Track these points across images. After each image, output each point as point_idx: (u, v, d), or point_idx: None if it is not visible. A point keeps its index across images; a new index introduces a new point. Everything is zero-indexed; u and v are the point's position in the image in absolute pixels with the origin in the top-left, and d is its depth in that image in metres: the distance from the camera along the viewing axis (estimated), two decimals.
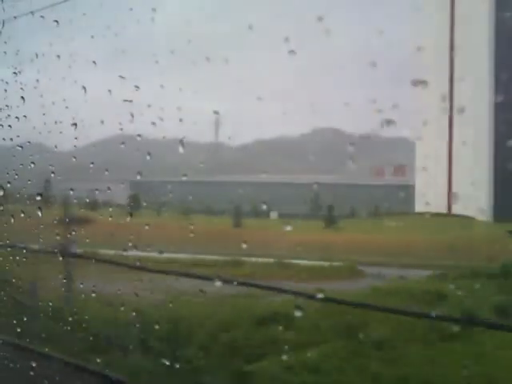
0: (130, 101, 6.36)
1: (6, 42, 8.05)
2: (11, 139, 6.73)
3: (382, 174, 54.53)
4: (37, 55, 6.94)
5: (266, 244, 24.75)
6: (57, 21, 6.41)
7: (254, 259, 23.05)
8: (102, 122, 6.79)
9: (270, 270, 21.35)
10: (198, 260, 22.70)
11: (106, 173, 8.41)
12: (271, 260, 22.95)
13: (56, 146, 7.12)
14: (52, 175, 6.91)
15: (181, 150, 6.41)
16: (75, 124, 5.95)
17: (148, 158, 6.65)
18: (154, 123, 6.29)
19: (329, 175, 49.97)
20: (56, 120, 6.58)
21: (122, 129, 6.28)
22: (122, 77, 6.82)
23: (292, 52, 5.79)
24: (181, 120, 6.38)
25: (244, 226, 35.41)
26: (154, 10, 7.43)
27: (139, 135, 6.82)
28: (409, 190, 41.86)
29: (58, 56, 7.17)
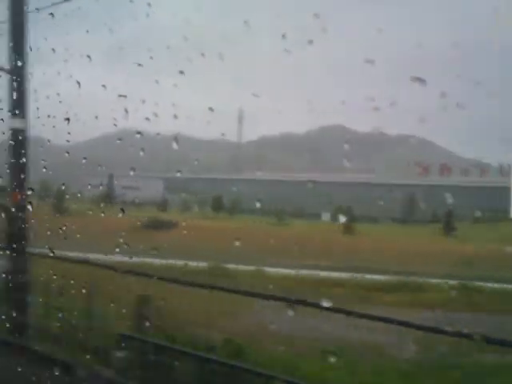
0: (125, 96, 6.29)
1: (1, 35, 7.97)
2: (3, 133, 6.66)
3: (426, 173, 51.08)
4: (31, 49, 6.87)
5: (410, 257, 21.44)
6: (52, 14, 6.33)
7: (423, 280, 18.76)
8: (96, 117, 6.73)
9: (461, 297, 16.42)
10: (367, 282, 18.63)
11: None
12: (450, 282, 18.25)
13: (49, 140, 7.06)
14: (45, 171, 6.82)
15: (174, 146, 6.38)
16: (68, 119, 5.86)
17: (141, 154, 6.57)
18: (147, 119, 6.22)
19: (368, 174, 47.02)
20: (49, 114, 6.50)
21: (115, 125, 6.20)
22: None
23: (288, 50, 5.73)
24: (175, 116, 6.29)
25: (356, 233, 31.00)
26: (149, 4, 7.34)
27: (139, 132, 6.74)
28: (498, 192, 36.78)
29: (53, 50, 7.08)
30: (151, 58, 6.40)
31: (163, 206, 36.12)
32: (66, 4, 7.37)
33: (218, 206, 36.64)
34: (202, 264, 19.39)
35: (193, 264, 19.53)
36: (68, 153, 6.15)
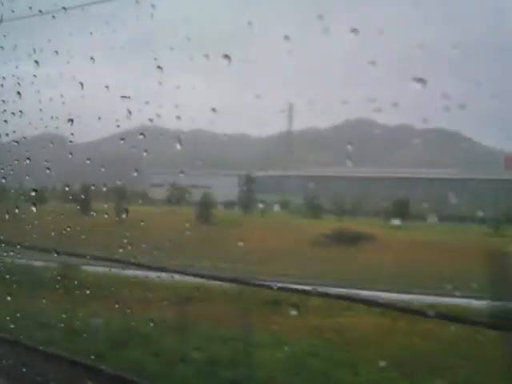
0: (128, 97, 6.33)
1: (5, 36, 7.99)
2: (7, 134, 6.67)
3: None
4: (34, 50, 6.88)
5: None
6: (54, 16, 6.35)
7: None
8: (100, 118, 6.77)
9: None
10: None
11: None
12: None
13: (52, 142, 7.11)
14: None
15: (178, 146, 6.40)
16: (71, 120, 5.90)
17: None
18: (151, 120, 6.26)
19: (446, 169, 43.35)
20: (52, 115, 6.54)
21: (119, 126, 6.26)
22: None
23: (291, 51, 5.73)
24: (178, 117, 6.33)
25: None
26: (153, 6, 7.35)
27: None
28: None
29: (56, 52, 7.10)
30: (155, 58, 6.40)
31: (315, 211, 30.94)
32: (69, 4, 7.37)
33: (402, 211, 30.07)
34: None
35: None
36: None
